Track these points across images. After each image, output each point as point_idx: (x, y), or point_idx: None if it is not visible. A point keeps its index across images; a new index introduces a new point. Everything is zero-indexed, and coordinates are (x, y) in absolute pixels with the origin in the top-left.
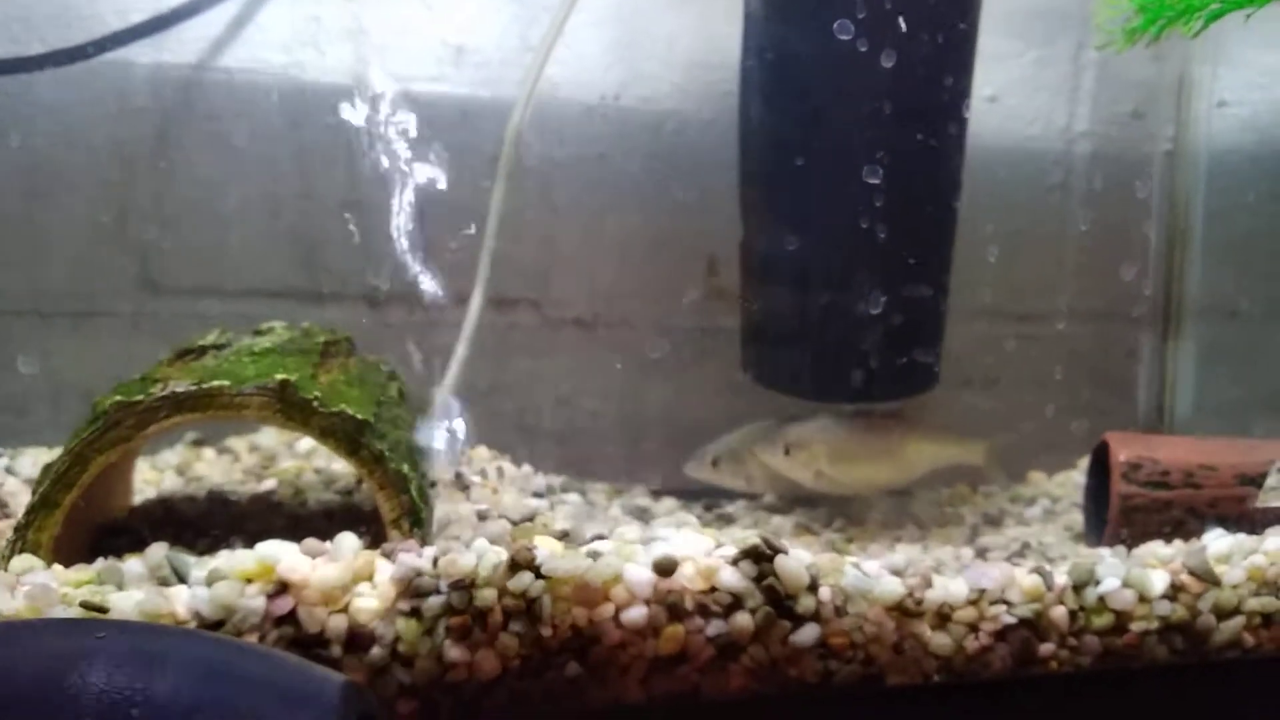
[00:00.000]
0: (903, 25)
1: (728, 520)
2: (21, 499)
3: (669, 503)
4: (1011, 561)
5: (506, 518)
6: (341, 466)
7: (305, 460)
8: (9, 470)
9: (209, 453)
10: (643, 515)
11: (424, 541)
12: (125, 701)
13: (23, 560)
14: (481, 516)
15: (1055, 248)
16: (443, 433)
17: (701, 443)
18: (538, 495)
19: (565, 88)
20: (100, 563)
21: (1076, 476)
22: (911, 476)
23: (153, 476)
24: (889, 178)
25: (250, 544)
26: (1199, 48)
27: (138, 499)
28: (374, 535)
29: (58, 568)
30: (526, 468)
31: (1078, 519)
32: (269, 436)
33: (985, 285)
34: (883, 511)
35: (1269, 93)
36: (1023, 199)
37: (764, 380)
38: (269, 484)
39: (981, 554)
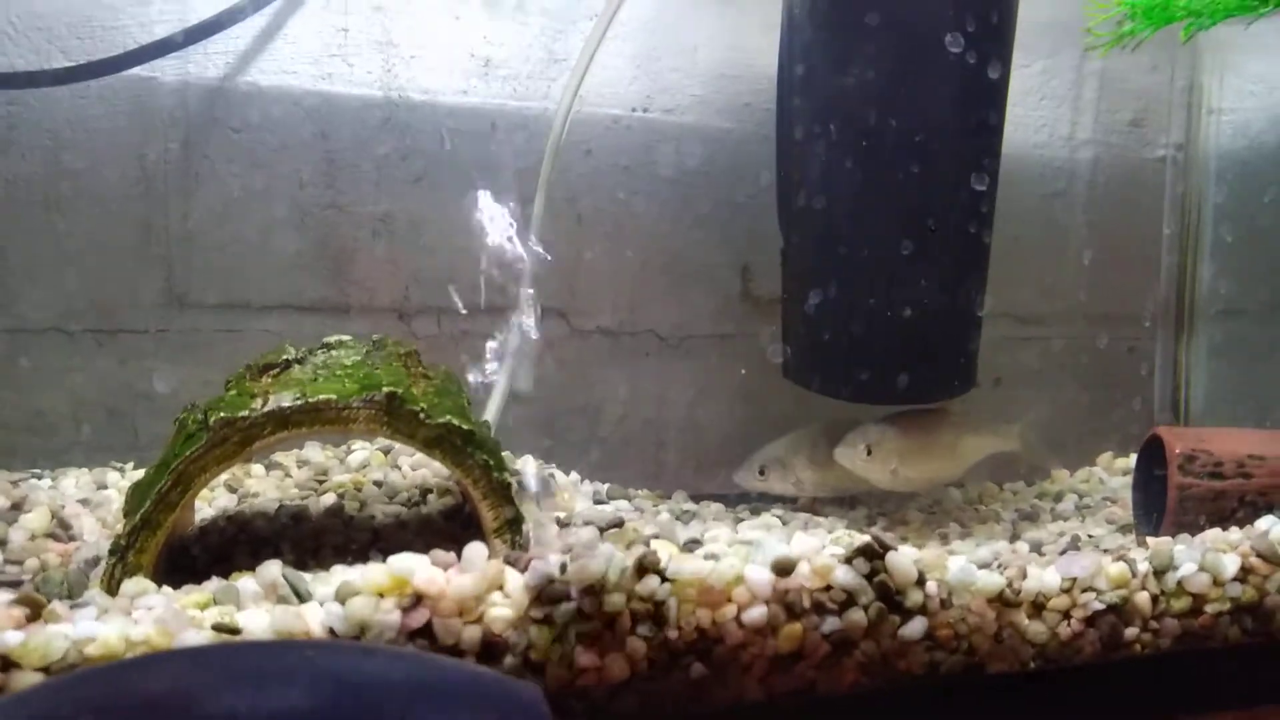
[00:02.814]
0: (951, 36)
1: (782, 523)
2: (84, 522)
3: (715, 507)
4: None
5: (593, 524)
6: (398, 478)
7: (359, 474)
8: (57, 492)
9: (258, 469)
10: (690, 519)
11: (523, 549)
12: None
13: (134, 584)
14: (561, 523)
15: (1062, 252)
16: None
17: (732, 447)
18: (599, 502)
19: (591, 99)
20: (214, 583)
21: (1099, 472)
22: (964, 469)
23: (204, 493)
24: (935, 184)
25: (343, 559)
26: (1208, 57)
27: (196, 517)
28: (460, 543)
29: (168, 589)
30: (574, 475)
31: (1116, 512)
32: (316, 451)
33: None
34: (921, 510)
35: (1260, 100)
36: (1027, 205)
37: (811, 384)
38: (328, 499)
39: (1036, 549)
